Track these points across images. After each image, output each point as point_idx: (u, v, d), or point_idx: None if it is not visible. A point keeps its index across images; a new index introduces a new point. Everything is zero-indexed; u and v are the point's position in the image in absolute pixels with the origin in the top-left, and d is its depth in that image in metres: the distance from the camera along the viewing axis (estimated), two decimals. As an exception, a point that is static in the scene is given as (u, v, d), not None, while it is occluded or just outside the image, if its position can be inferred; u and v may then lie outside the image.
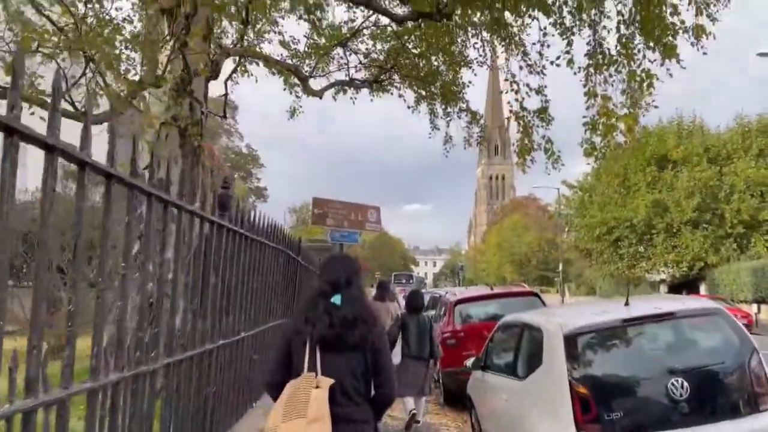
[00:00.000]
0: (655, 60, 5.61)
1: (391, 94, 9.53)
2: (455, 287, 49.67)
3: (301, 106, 10.02)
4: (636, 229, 35.06)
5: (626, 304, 4.60)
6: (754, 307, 26.91)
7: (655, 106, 5.69)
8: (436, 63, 8.75)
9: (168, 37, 4.82)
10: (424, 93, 9.18)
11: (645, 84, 5.61)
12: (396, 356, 7.08)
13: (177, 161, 5.26)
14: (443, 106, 9.29)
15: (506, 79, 8.05)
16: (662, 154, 35.88)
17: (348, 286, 3.06)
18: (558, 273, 55.50)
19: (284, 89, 9.24)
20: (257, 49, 8.43)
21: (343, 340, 2.92)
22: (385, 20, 8.74)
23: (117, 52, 4.29)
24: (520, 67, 7.90)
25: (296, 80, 8.78)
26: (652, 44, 5.49)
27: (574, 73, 6.33)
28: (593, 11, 6.28)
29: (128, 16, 6.57)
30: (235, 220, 3.71)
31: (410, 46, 8.78)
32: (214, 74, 5.97)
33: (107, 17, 4.35)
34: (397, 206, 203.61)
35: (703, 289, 34.37)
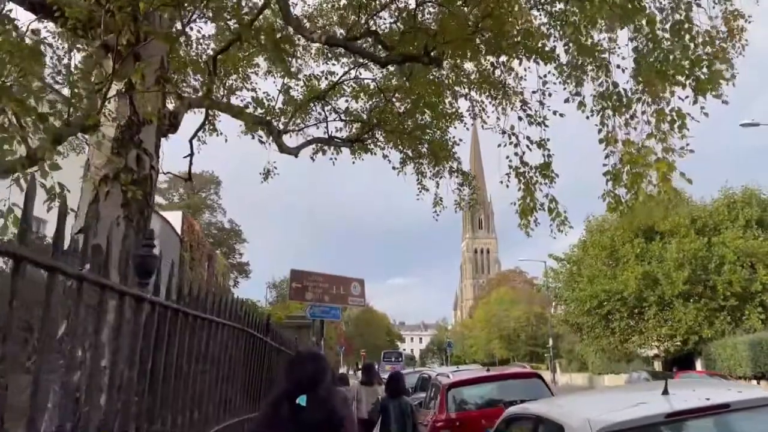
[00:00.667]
0: (687, 97, 5.00)
1: (374, 154, 8.82)
2: (443, 366, 48.06)
3: (275, 168, 9.21)
4: (627, 303, 34.22)
5: (665, 392, 3.69)
6: (754, 383, 25.85)
7: (691, 150, 5.00)
8: (422, 120, 8.08)
9: (110, 77, 4.02)
10: (410, 153, 8.49)
11: (677, 125, 4.95)
12: None
13: (119, 224, 4.35)
14: (432, 166, 8.58)
15: (504, 132, 7.39)
16: (649, 225, 35.55)
17: (315, 387, 2.83)
18: (548, 348, 54.14)
19: (256, 139, 8.42)
20: (225, 101, 7.77)
21: None
22: (367, 74, 8.22)
23: (35, 85, 3.47)
24: (519, 118, 7.27)
25: (270, 138, 8.08)
26: (682, 78, 4.89)
27: (587, 117, 5.68)
28: (604, 54, 5.73)
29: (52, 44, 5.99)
30: (169, 293, 2.90)
31: (395, 101, 8.14)
32: (173, 127, 5.19)
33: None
34: (382, 280, 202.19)
35: (699, 364, 33.25)
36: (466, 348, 76.83)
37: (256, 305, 13.89)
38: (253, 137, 8.24)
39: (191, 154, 7.13)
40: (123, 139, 4.46)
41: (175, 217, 32.73)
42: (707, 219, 33.45)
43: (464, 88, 8.04)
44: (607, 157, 5.88)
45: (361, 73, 8.33)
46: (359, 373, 9.95)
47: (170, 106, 5.72)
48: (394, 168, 8.80)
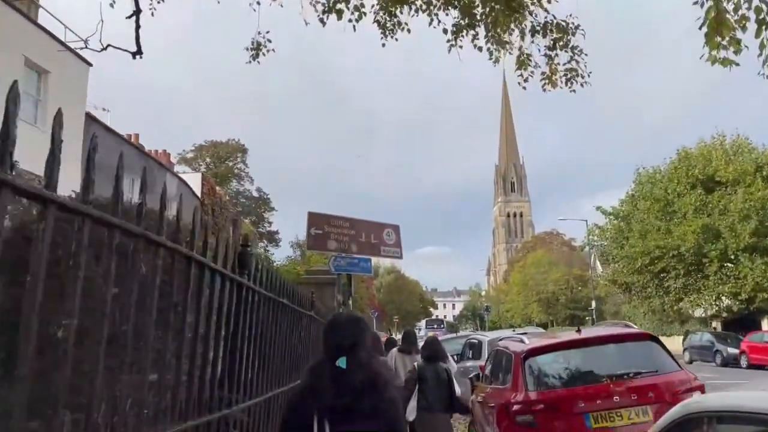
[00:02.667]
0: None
1: (409, 31, 6.29)
2: (477, 331, 46.29)
3: (269, 42, 6.58)
4: (684, 259, 31.32)
5: None
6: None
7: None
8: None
9: None
10: (464, 21, 5.86)
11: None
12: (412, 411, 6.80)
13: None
14: (495, 31, 5.85)
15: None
16: (709, 175, 32.43)
17: (354, 350, 2.82)
18: (590, 311, 51.71)
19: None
20: None
21: (352, 411, 2.69)
22: None
23: None
24: None
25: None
26: None
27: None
28: None
29: None
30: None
31: None
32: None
33: None
34: (411, 249, 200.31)
35: (766, 324, 30.43)
36: (501, 313, 74.58)
37: (269, 259, 11.99)
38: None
39: (137, 12, 4.78)
40: None
41: (194, 179, 30.80)
42: (775, 165, 30.31)
43: None
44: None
45: None
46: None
47: None
48: (448, 41, 6.23)
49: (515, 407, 5.55)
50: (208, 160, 67.81)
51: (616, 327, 6.79)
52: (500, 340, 8.01)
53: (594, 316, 49.09)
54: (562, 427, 5.31)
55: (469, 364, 13.01)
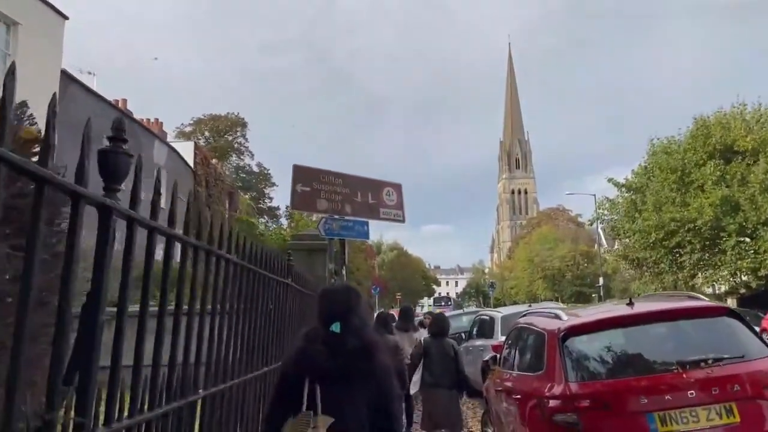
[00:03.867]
0: None
1: None
2: (482, 308, 45.36)
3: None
4: (700, 233, 29.86)
5: None
6: None
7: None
8: None
9: None
10: None
11: None
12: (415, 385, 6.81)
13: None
14: None
15: None
16: (728, 144, 30.86)
17: (348, 316, 2.87)
18: (597, 288, 50.51)
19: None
20: None
21: (345, 373, 2.76)
22: None
23: None
24: None
25: None
26: None
27: None
28: None
29: None
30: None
31: None
32: None
33: None
34: (415, 227, 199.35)
35: (785, 301, 28.99)
36: (506, 290, 73.49)
37: (253, 223, 10.61)
38: None
39: None
40: None
41: (186, 149, 29.38)
42: (798, 134, 28.77)
43: None
44: None
45: None
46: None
47: None
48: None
49: (552, 403, 4.22)
50: (207, 134, 66.53)
51: (677, 298, 5.36)
52: (521, 315, 6.67)
53: (601, 293, 47.96)
54: (617, 430, 4.00)
55: (478, 343, 11.72)
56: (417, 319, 11.49)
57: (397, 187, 8.72)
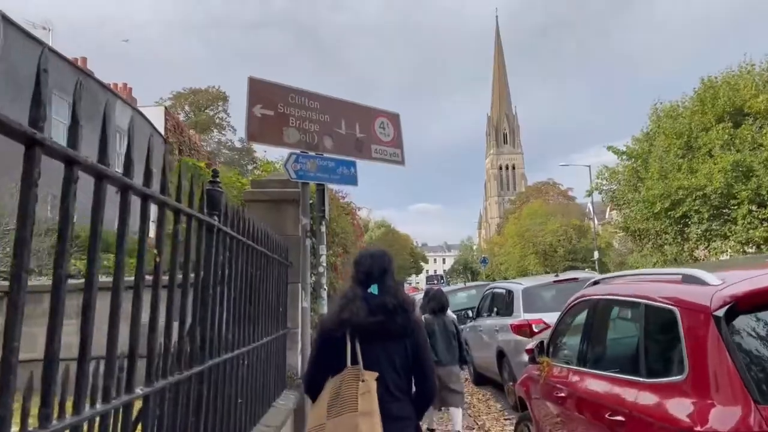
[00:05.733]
0: None
1: None
2: (468, 283, 43.68)
3: None
4: (709, 201, 27.98)
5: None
6: None
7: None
8: None
9: None
10: None
11: None
12: None
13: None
14: None
15: None
16: (737, 106, 28.91)
17: (383, 276, 3.02)
18: (591, 263, 49.08)
19: None
20: None
21: (383, 330, 2.85)
22: None
23: None
24: None
25: None
26: None
27: None
28: None
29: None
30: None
31: None
32: None
33: None
34: (404, 205, 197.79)
35: (799, 272, 27.26)
36: (495, 265, 71.91)
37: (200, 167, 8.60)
38: None
39: None
40: None
41: (155, 114, 26.88)
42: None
43: None
44: None
45: None
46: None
47: None
48: None
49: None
50: (187, 108, 64.06)
51: None
52: (552, 283, 4.59)
53: (597, 267, 46.47)
54: None
55: (491, 322, 9.74)
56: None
57: (394, 118, 6.53)
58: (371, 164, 6.22)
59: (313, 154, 5.78)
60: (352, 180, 6.09)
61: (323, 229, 5.86)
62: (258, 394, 4.53)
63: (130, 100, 27.78)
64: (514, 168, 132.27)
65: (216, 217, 2.88)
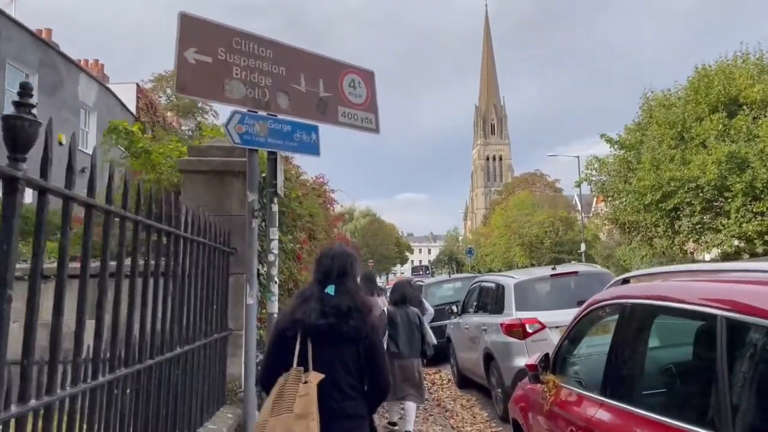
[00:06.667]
0: None
1: None
2: (454, 275, 42.80)
3: None
4: (702, 193, 27.18)
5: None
6: None
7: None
8: None
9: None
10: None
11: None
12: None
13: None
14: None
15: None
16: (732, 96, 28.10)
17: (342, 278, 3.04)
18: (578, 255, 48.40)
19: None
20: None
21: (335, 332, 2.86)
22: None
23: None
24: None
25: None
26: None
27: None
28: None
29: None
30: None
31: None
32: None
33: None
34: (390, 195, 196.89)
35: (792, 268, 26.53)
36: (480, 256, 71.13)
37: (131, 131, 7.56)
38: None
39: None
40: None
41: (126, 91, 25.44)
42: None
43: None
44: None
45: None
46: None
47: None
48: None
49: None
50: (168, 91, 62.37)
51: None
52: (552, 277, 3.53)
53: (584, 260, 45.79)
54: None
55: (478, 319, 8.66)
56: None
57: (368, 76, 5.32)
58: (337, 129, 5.09)
59: (264, 114, 4.66)
60: (313, 148, 4.94)
61: (275, 207, 4.75)
62: (180, 416, 3.44)
63: (101, 77, 26.39)
64: (501, 159, 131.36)
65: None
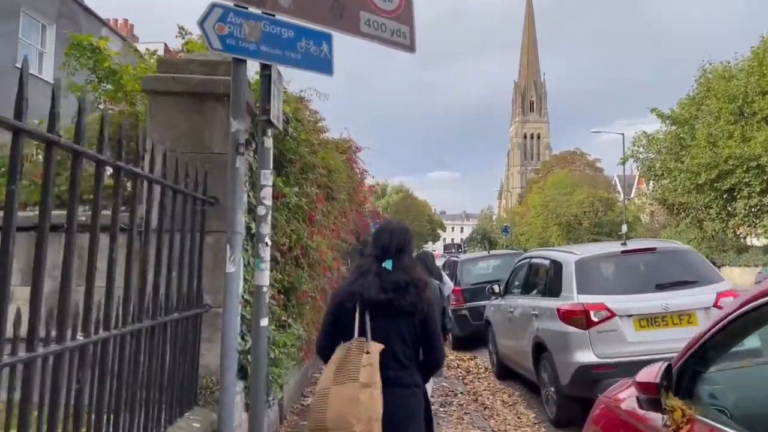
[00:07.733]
0: None
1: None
2: (491, 251, 41.02)
3: None
4: (763, 173, 25.16)
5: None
6: None
7: None
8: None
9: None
10: None
11: None
12: None
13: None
14: None
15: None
16: (802, 68, 25.87)
17: (399, 253, 3.07)
18: (617, 237, 46.34)
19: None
20: None
21: (393, 306, 2.92)
22: None
23: None
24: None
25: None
26: None
27: None
28: None
29: None
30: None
31: None
32: None
33: None
34: (422, 173, 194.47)
35: None
36: (515, 236, 69.22)
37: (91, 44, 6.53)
38: None
39: None
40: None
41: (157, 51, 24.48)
42: None
43: None
44: None
45: None
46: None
47: None
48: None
49: None
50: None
51: None
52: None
53: (625, 242, 43.74)
54: None
55: (526, 302, 7.32)
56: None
57: (401, -25, 4.04)
58: (358, 41, 3.78)
59: (257, 12, 3.38)
60: (324, 65, 3.62)
61: (268, 142, 3.50)
62: (113, 428, 2.25)
63: (130, 37, 25.87)
64: (539, 137, 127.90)
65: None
